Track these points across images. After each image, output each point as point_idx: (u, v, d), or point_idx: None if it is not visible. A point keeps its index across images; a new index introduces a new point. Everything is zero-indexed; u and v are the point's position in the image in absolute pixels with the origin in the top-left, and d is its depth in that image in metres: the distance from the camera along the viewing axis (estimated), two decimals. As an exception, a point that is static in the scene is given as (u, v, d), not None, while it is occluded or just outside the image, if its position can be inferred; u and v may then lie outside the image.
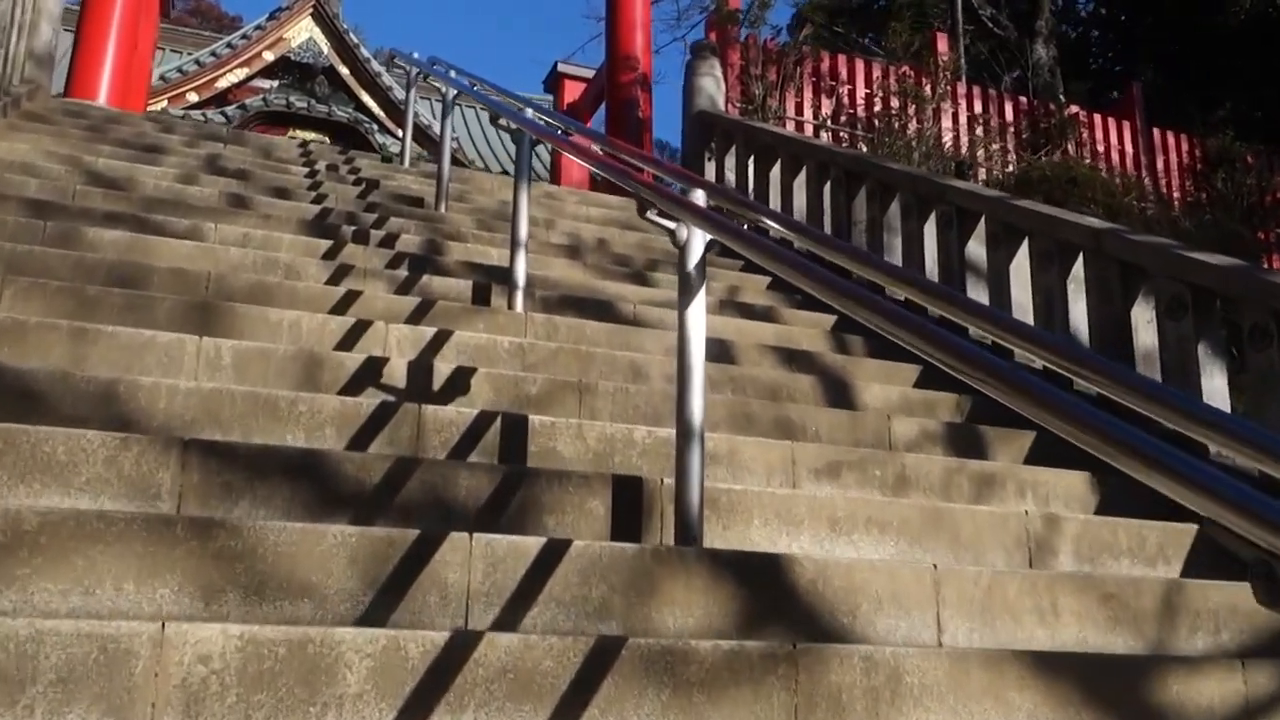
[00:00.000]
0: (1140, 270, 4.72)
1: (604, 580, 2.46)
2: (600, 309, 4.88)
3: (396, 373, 3.48)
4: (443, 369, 3.56)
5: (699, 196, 2.95)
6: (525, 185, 4.63)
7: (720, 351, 4.66)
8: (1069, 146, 10.59)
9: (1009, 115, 10.86)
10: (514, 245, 4.60)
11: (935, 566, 2.78)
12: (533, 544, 2.45)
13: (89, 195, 4.94)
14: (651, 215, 2.94)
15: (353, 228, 5.33)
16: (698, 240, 2.90)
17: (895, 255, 6.50)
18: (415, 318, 4.19)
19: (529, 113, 4.74)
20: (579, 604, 2.42)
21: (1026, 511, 3.36)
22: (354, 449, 3.03)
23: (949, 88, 10.10)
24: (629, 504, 2.90)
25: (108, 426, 2.77)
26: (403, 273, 4.75)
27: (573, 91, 11.82)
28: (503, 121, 4.78)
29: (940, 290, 2.69)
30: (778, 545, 3.00)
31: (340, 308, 4.09)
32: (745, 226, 3.13)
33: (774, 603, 2.57)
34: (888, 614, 2.66)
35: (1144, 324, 4.77)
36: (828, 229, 7.19)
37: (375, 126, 20.82)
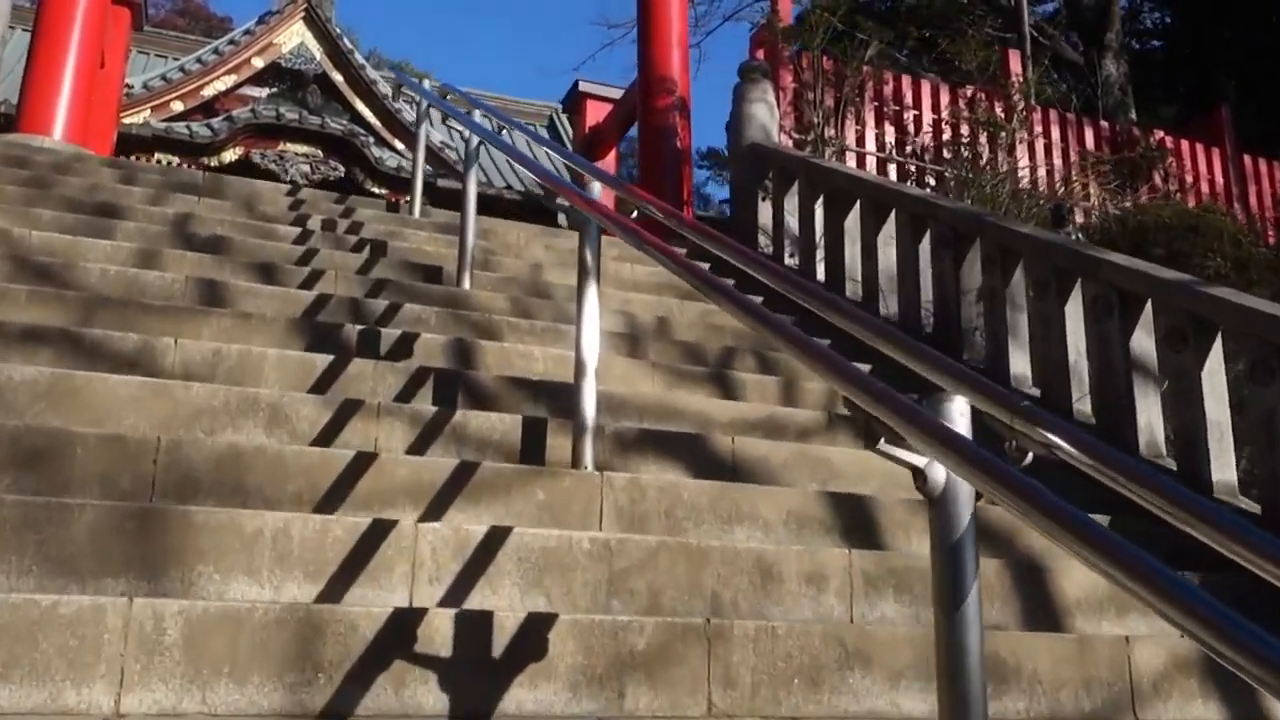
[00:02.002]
0: None
1: None
2: (689, 449, 3.67)
3: (437, 635, 2.26)
4: (506, 621, 2.34)
5: (958, 414, 1.73)
6: (593, 288, 3.42)
7: (855, 511, 3.46)
8: (1155, 178, 9.42)
9: (1089, 142, 9.67)
10: (579, 372, 3.38)
11: None
12: None
13: (8, 296, 3.71)
14: (887, 449, 1.74)
15: (357, 327, 4.11)
16: (963, 494, 1.70)
17: (1020, 336, 5.30)
18: (450, 495, 2.97)
19: (596, 188, 3.51)
20: None
21: None
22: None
23: (1026, 113, 8.90)
24: None
25: None
26: (426, 406, 3.54)
27: (595, 113, 10.58)
28: (561, 201, 3.57)
29: None
30: None
31: (345, 487, 2.88)
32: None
33: None
34: None
35: None
36: (927, 296, 6.00)
37: (372, 139, 19.56)
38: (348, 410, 3.31)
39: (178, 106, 20.61)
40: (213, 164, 18.87)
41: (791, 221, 7.39)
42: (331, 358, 3.68)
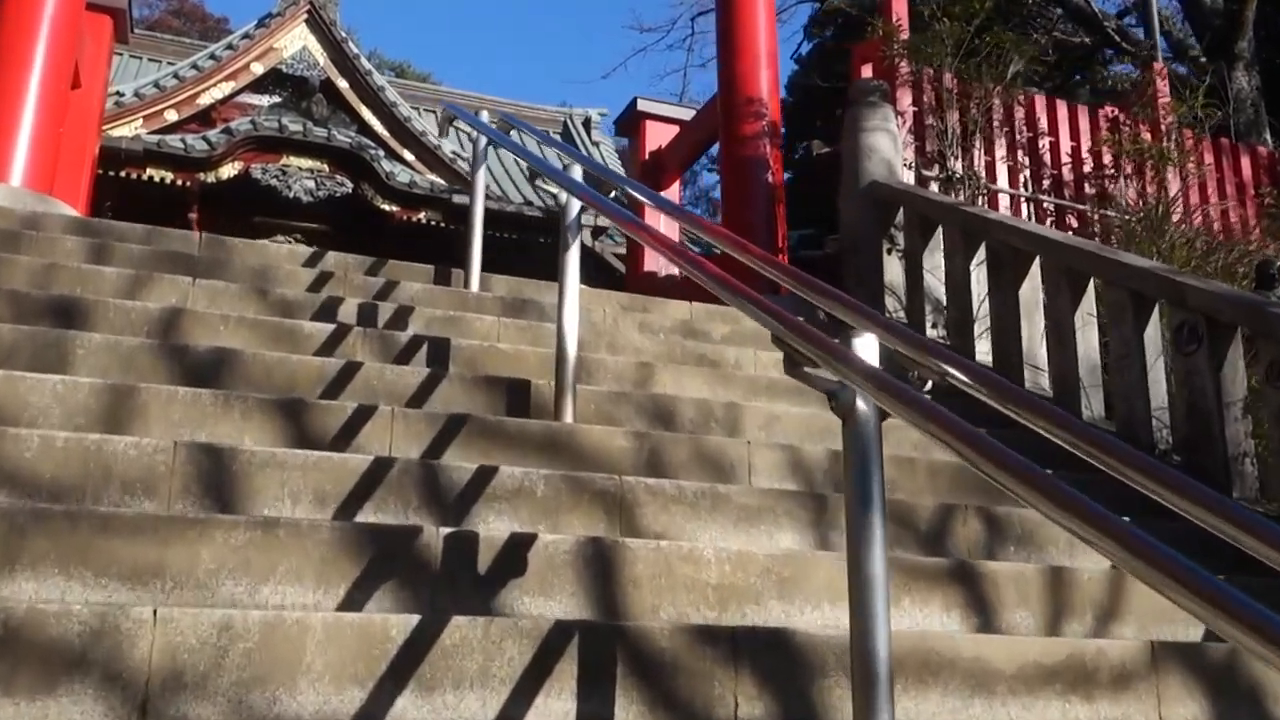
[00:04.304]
0: None
1: None
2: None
3: None
4: None
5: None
6: (879, 545, 1.95)
7: None
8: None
9: (1245, 173, 8.22)
10: (866, 685, 1.92)
11: None
12: None
13: (-124, 520, 2.24)
14: None
15: (441, 532, 2.63)
16: None
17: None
18: None
19: (870, 347, 2.03)
20: None
21: None
22: None
23: (1181, 140, 7.45)
24: None
25: None
26: (588, 728, 2.08)
27: (657, 136, 9.11)
28: (810, 368, 2.10)
29: None
30: None
31: None
32: None
33: None
34: None
35: None
36: (1158, 402, 4.55)
37: (381, 152, 18.09)
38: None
39: (172, 116, 19.15)
40: (209, 180, 17.40)
41: (934, 283, 5.95)
42: (415, 621, 2.21)
